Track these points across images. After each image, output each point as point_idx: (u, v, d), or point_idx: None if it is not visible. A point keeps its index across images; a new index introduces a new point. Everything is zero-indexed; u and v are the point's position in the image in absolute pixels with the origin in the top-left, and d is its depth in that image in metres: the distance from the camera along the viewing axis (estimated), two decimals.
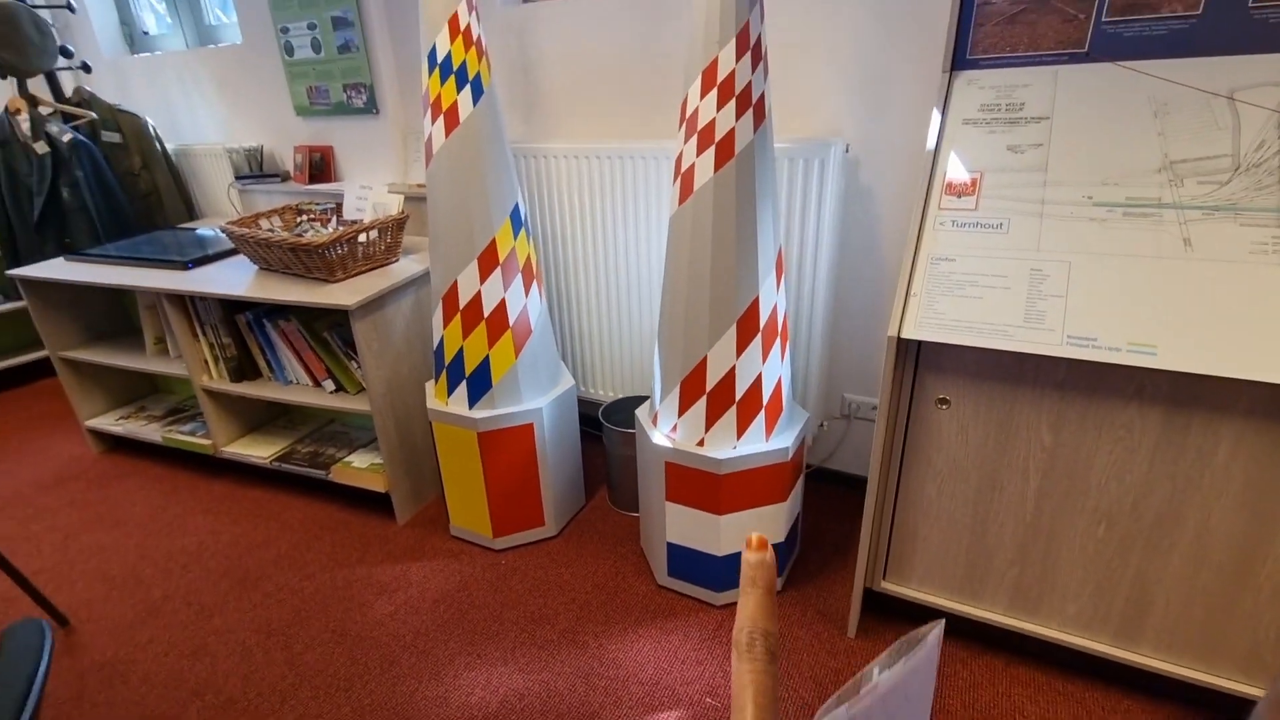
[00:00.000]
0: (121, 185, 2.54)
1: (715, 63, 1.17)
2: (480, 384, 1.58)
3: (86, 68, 2.59)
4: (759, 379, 1.35)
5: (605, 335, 2.00)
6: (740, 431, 1.37)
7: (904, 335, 1.12)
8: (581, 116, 1.91)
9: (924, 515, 1.30)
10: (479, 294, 1.51)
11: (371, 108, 2.23)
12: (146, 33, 2.91)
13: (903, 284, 1.16)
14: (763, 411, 1.37)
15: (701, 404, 1.36)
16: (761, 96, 1.20)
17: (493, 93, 1.45)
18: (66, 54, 2.43)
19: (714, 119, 1.20)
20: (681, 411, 1.40)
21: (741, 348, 1.31)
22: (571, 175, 1.84)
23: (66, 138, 2.33)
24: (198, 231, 2.40)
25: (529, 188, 1.93)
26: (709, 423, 1.37)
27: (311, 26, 2.22)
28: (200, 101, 2.69)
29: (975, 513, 1.25)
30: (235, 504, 1.99)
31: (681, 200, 1.28)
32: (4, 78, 2.31)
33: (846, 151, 1.57)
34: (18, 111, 2.34)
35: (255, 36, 2.39)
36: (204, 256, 2.01)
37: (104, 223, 2.44)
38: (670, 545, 1.51)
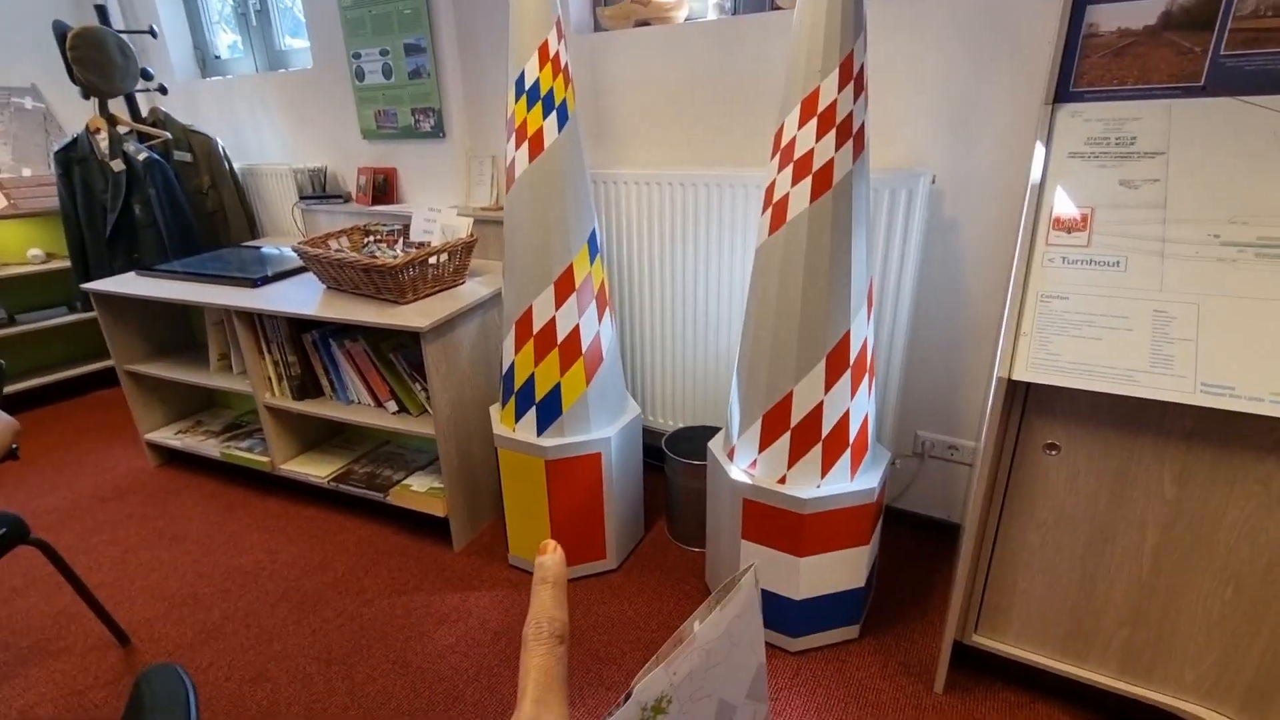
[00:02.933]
0: (190, 203, 2.60)
1: (816, 93, 1.15)
2: (550, 411, 1.55)
3: (163, 90, 2.67)
4: (846, 416, 1.30)
5: (670, 363, 1.96)
6: (825, 470, 1.32)
7: (1015, 377, 1.07)
8: (652, 143, 1.91)
9: (1024, 566, 1.23)
10: (553, 320, 1.49)
11: (438, 132, 2.26)
12: (218, 57, 3.01)
13: (1010, 322, 1.10)
14: (849, 450, 1.32)
15: (785, 440, 1.32)
16: (862, 127, 1.17)
17: (576, 119, 1.44)
18: (146, 76, 2.51)
19: (812, 149, 1.17)
20: (763, 447, 1.35)
21: (830, 383, 1.27)
22: (642, 201, 1.83)
23: (142, 156, 2.40)
24: (262, 250, 2.43)
25: (599, 213, 1.92)
26: (792, 459, 1.32)
27: (384, 53, 2.26)
28: (267, 123, 2.76)
29: (1083, 567, 1.17)
30: (291, 523, 1.98)
31: (773, 229, 1.25)
32: (87, 98, 2.39)
33: (932, 183, 1.53)
34: (98, 130, 2.41)
35: (326, 61, 2.45)
36: (271, 275, 2.04)
37: (172, 239, 2.50)
38: None
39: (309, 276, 2.05)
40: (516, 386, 1.57)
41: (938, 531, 1.85)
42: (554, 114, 1.39)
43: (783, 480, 1.34)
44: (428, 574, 1.73)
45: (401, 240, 2.05)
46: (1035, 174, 1.20)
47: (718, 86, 1.75)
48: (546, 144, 1.40)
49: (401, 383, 1.83)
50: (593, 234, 1.52)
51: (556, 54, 1.38)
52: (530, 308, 1.49)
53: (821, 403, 1.28)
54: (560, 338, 1.50)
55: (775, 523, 1.35)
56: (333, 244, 2.00)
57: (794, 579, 1.37)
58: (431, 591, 1.67)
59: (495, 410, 1.72)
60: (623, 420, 1.65)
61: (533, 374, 1.54)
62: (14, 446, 1.30)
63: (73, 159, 2.45)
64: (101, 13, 2.42)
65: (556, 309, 1.49)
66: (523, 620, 1.56)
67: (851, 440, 1.32)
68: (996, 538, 1.24)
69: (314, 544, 1.88)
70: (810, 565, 1.36)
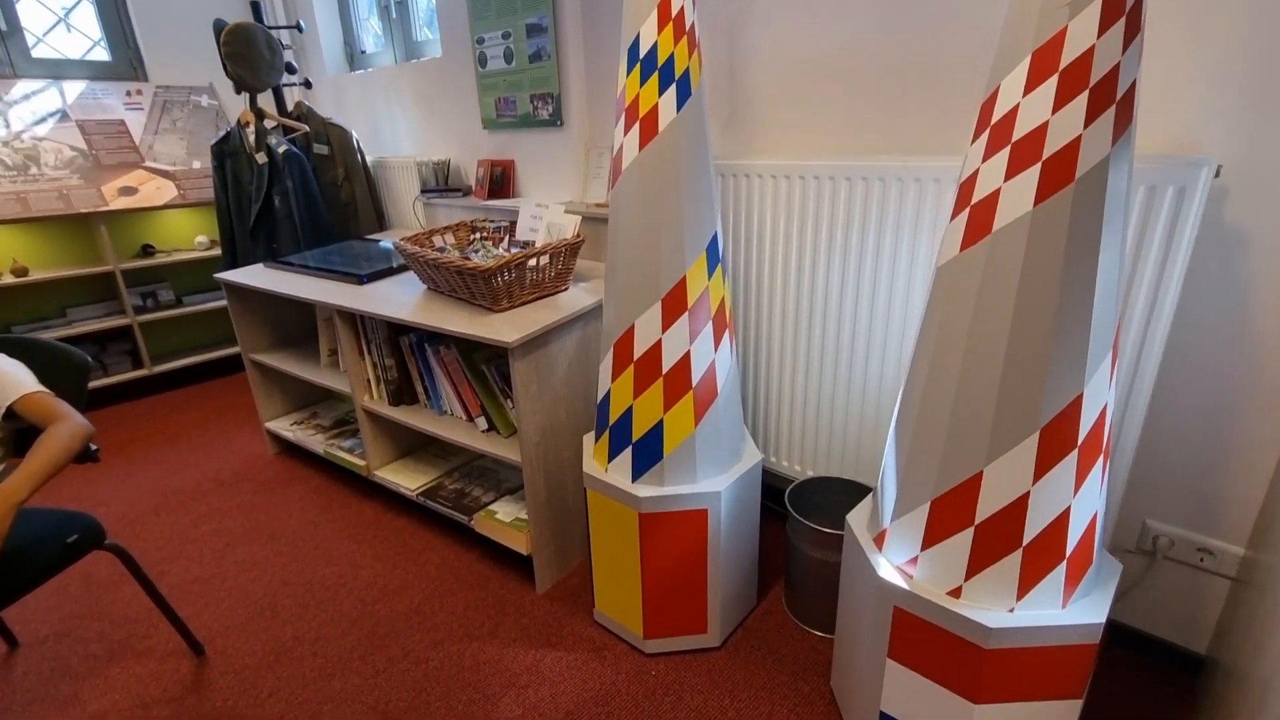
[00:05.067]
0: (324, 195, 2.64)
1: (1061, 37, 0.76)
2: (648, 453, 1.28)
3: (308, 84, 2.74)
4: (1064, 516, 0.89)
5: (803, 399, 1.61)
6: (1024, 588, 0.92)
7: None
8: (794, 126, 1.56)
9: None
10: (659, 344, 1.21)
11: (556, 119, 2.06)
12: (364, 51, 3.05)
13: None
14: (1064, 563, 0.91)
15: (964, 538, 0.94)
16: (1131, 89, 0.77)
17: (701, 95, 1.15)
18: (290, 70, 2.56)
19: (1046, 123, 0.78)
20: (929, 542, 0.97)
21: (1045, 467, 0.87)
22: (778, 199, 1.49)
23: (282, 149, 2.44)
24: (382, 243, 2.39)
25: (723, 214, 1.61)
26: (974, 567, 0.94)
27: (506, 35, 2.10)
28: (400, 115, 2.74)
29: None
30: (380, 532, 1.88)
31: (969, 241, 0.87)
32: (239, 93, 2.48)
33: (1216, 176, 1.05)
34: (247, 124, 2.49)
35: (453, 49, 2.34)
36: (380, 270, 1.95)
37: (305, 231, 2.53)
38: (885, 717, 1.08)
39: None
40: (611, 419, 1.31)
41: (1167, 659, 1.34)
42: (672, 88, 1.11)
43: (957, 593, 0.96)
44: (504, 617, 1.53)
45: (508, 238, 1.88)
46: None
47: (889, 54, 1.37)
48: (661, 125, 1.12)
49: (493, 398, 1.64)
50: (714, 240, 1.21)
51: (680, 12, 1.09)
52: (632, 328, 1.22)
53: (1028, 495, 0.88)
54: (666, 366, 1.22)
55: (941, 650, 0.97)
56: (438, 240, 1.86)
57: None
58: (505, 642, 1.46)
59: (589, 441, 1.47)
60: (738, 469, 1.34)
61: (630, 407, 1.27)
62: (93, 449, 1.25)
63: (225, 152, 2.55)
64: (255, 9, 2.49)
65: (663, 331, 1.20)
66: (600, 699, 1.30)
67: (1070, 550, 0.91)
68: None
69: (397, 561, 1.75)
70: (990, 715, 0.97)
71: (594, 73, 1.98)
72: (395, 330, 1.77)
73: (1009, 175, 0.82)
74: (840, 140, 1.49)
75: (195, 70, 3.12)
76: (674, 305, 1.19)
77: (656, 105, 1.11)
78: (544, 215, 1.74)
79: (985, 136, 0.85)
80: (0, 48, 2.69)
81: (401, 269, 2.00)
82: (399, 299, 1.71)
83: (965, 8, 1.26)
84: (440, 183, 2.58)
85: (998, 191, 0.83)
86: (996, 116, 0.83)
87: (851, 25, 1.40)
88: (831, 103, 1.49)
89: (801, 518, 1.41)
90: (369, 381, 1.88)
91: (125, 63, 3.01)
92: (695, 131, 1.14)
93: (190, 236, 3.13)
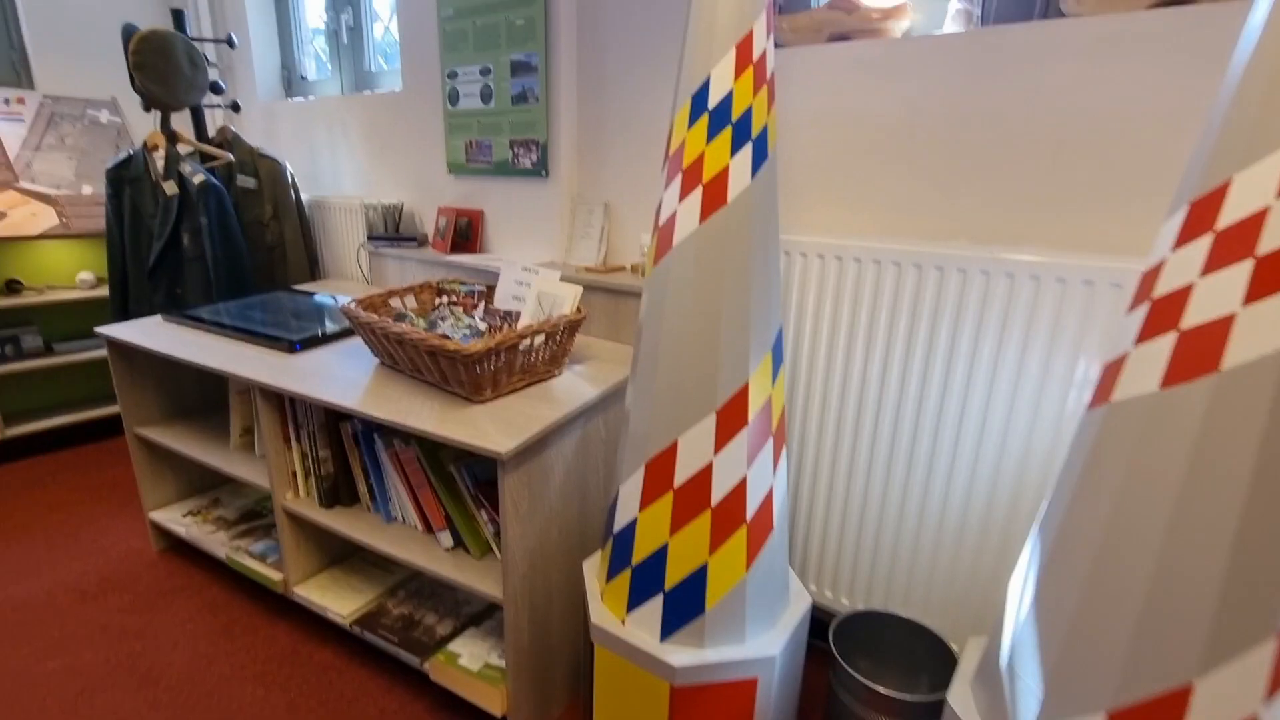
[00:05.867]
0: (246, 235, 2.24)
1: None
2: (686, 606, 0.98)
3: (236, 107, 2.36)
4: None
5: (851, 521, 1.36)
6: None
7: None
8: (843, 200, 1.37)
9: None
10: (709, 468, 0.94)
11: (540, 169, 1.80)
12: (305, 77, 2.71)
13: None
14: None
15: None
16: None
17: (775, 160, 0.92)
18: (216, 90, 2.19)
19: None
20: None
21: None
22: (826, 284, 1.27)
23: (198, 179, 2.05)
24: (316, 297, 2.01)
25: None
26: None
27: (485, 72, 1.84)
28: (345, 151, 2.40)
29: None
30: (299, 671, 1.46)
31: (1176, 376, 0.66)
32: (148, 110, 2.08)
33: None
34: (155, 148, 2.08)
35: (417, 82, 2.06)
36: (317, 336, 1.58)
37: (219, 275, 2.12)
38: None
39: (361, 345, 1.59)
40: (636, 557, 1.01)
41: None
42: (747, 147, 0.87)
43: None
44: None
45: (483, 305, 1.57)
46: None
47: (970, 125, 1.20)
48: (732, 193, 0.87)
49: (461, 508, 1.30)
50: (779, 336, 0.97)
51: (763, 55, 0.86)
52: (674, 445, 0.95)
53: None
54: (716, 497, 0.94)
55: None
56: (396, 304, 1.53)
57: None
58: None
59: (592, 570, 1.16)
60: (789, 619, 1.06)
61: (665, 545, 0.98)
62: None
63: (124, 178, 2.12)
64: (177, 17, 2.12)
65: (716, 452, 0.93)
66: None
67: None
68: None
69: (322, 715, 1.34)
70: None
71: (588, 121, 1.74)
72: (336, 416, 1.41)
73: (1252, 297, 0.62)
74: (898, 219, 1.31)
75: (95, 80, 2.67)
76: (731, 419, 0.93)
77: (727, 167, 0.87)
78: (533, 282, 1.45)
79: (1207, 240, 0.65)
80: None
81: (344, 333, 1.64)
82: (343, 376, 1.36)
83: (1052, 80, 1.11)
84: (390, 230, 2.25)
85: (1231, 318, 0.63)
86: (1229, 218, 0.63)
87: (913, 91, 1.23)
88: (886, 174, 1.30)
89: (851, 669, 1.15)
90: (294, 475, 1.49)
91: (6, 65, 2.53)
92: (768, 202, 0.90)
93: (71, 272, 2.61)
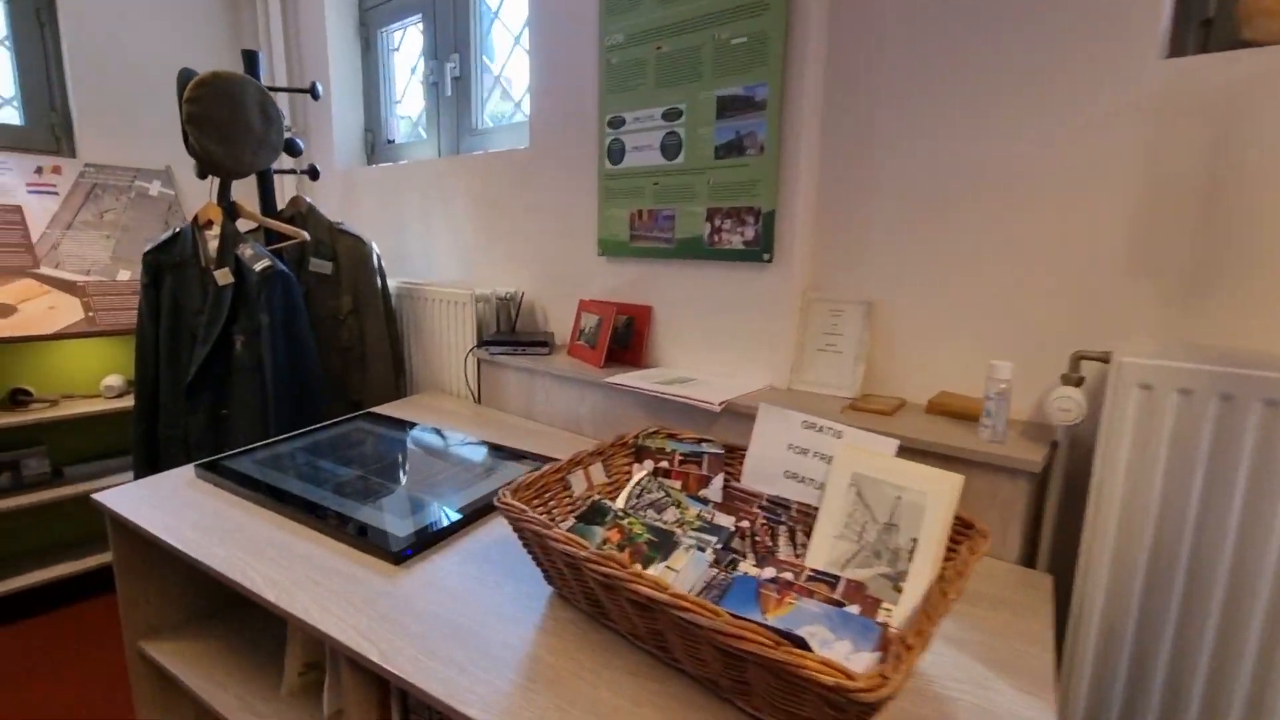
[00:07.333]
0: (319, 331, 1.69)
1: None
2: None
3: (314, 173, 1.86)
4: None
5: None
6: None
7: None
8: None
9: None
10: None
11: (762, 250, 1.20)
12: (391, 141, 2.24)
13: None
14: None
15: None
16: None
17: None
18: (293, 151, 1.69)
19: None
20: None
21: None
22: None
23: (259, 265, 1.51)
24: (416, 433, 1.40)
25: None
26: None
27: (671, 115, 1.28)
28: (443, 226, 1.87)
29: None
30: None
31: None
32: (203, 176, 1.57)
33: None
34: (208, 224, 1.57)
35: (554, 136, 1.52)
36: (434, 529, 0.96)
37: (281, 394, 1.55)
38: None
39: (512, 539, 0.96)
40: None
41: None
42: None
43: None
44: None
45: (717, 477, 0.93)
46: None
47: None
48: None
49: None
50: None
51: None
52: None
53: None
54: None
55: None
56: (577, 483, 0.90)
57: None
58: None
59: None
60: None
61: None
62: None
63: (164, 263, 1.60)
64: (249, 60, 1.65)
65: None
66: None
67: None
68: None
69: None
70: None
71: (836, 182, 1.15)
72: None
73: None
74: None
75: (149, 147, 2.24)
76: None
77: None
78: (829, 450, 0.80)
79: None
80: None
81: (483, 512, 1.01)
82: (498, 633, 0.72)
83: None
84: (504, 327, 1.67)
85: None
86: None
87: None
88: None
89: None
90: None
91: (45, 130, 2.11)
92: None
93: (95, 377, 2.09)
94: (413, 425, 1.44)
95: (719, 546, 0.79)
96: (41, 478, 1.92)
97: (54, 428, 2.01)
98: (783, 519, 0.82)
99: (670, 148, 1.30)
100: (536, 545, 0.75)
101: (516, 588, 0.82)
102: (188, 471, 1.21)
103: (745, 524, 0.84)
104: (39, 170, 2.00)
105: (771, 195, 1.18)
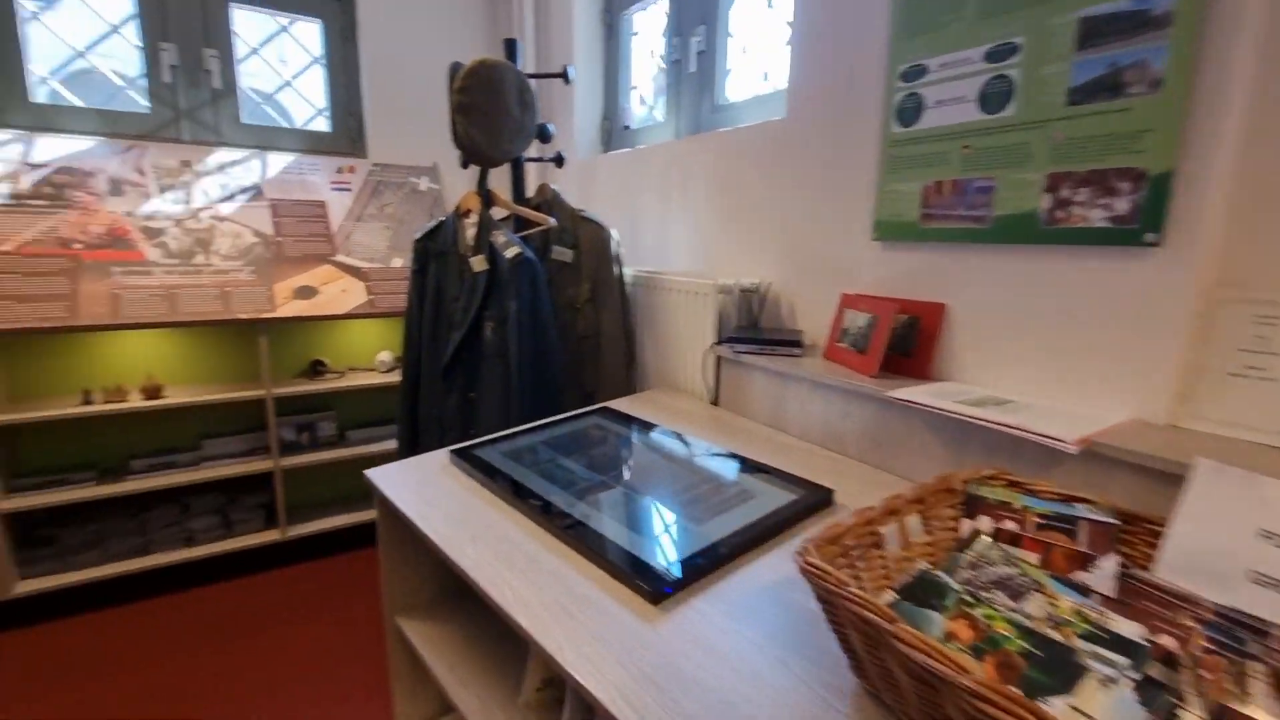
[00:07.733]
0: (556, 320, 1.67)
1: None
2: None
3: (560, 160, 1.86)
4: None
5: None
6: None
7: None
8: None
9: None
10: None
11: (1143, 229, 0.86)
12: (628, 127, 2.18)
13: None
14: None
15: None
16: None
17: None
18: (544, 137, 1.68)
19: None
20: None
21: None
22: None
23: (510, 252, 1.51)
24: (657, 435, 1.28)
25: None
26: None
27: (996, 55, 0.98)
28: (680, 211, 1.74)
29: None
30: None
31: None
32: (465, 166, 1.62)
33: None
34: (467, 213, 1.62)
35: (819, 100, 1.29)
36: (693, 567, 0.81)
37: (524, 382, 1.55)
38: None
39: (785, 587, 0.77)
40: None
41: None
42: None
43: None
44: None
45: (1106, 558, 0.64)
46: None
47: None
48: None
49: None
50: None
51: None
52: None
53: None
54: None
55: None
56: (889, 535, 0.68)
57: None
58: None
59: None
60: None
61: None
62: None
63: (431, 250, 1.69)
64: (509, 48, 1.66)
65: None
66: None
67: None
68: None
69: None
70: None
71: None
72: None
73: None
74: None
75: (420, 146, 2.45)
76: None
77: None
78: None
79: None
80: (210, 111, 2.16)
81: (741, 548, 0.85)
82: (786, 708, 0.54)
83: None
84: (746, 320, 1.49)
85: None
86: None
87: None
88: None
89: None
90: None
91: (344, 136, 2.41)
92: None
93: (371, 351, 2.35)
94: (652, 426, 1.32)
95: (1135, 676, 0.52)
96: (331, 439, 2.20)
97: (341, 396, 2.30)
98: (1251, 649, 0.52)
99: (994, 97, 1.00)
100: (855, 629, 0.55)
101: (807, 670, 0.63)
102: (443, 455, 1.22)
103: (1169, 640, 0.55)
104: (339, 170, 2.28)
105: (1168, 150, 0.82)
